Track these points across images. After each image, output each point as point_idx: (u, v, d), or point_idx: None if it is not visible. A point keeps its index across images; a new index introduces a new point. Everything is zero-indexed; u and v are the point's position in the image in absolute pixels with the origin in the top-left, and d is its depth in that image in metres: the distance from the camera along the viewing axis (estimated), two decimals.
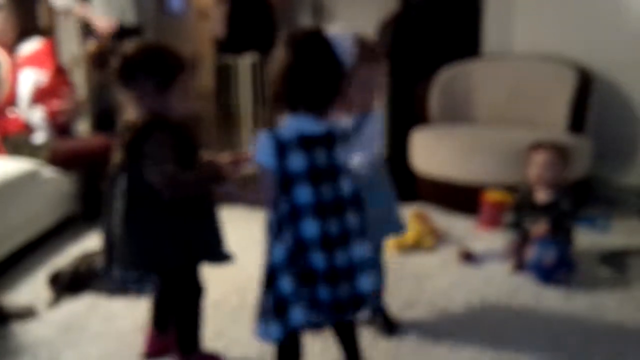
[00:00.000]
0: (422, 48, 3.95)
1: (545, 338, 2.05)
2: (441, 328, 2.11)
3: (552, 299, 2.34)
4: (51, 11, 4.27)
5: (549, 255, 2.43)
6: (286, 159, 1.46)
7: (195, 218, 1.72)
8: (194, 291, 1.82)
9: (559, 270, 2.44)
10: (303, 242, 1.47)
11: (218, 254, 1.80)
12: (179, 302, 1.83)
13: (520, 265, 2.56)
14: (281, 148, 1.46)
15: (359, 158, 1.77)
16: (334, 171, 1.50)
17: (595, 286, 2.43)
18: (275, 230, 1.50)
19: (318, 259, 1.47)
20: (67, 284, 2.39)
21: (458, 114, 3.77)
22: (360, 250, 1.53)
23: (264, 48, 4.49)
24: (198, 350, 1.85)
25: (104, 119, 3.61)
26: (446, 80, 3.80)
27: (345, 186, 1.52)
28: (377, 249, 2.00)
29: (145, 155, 1.63)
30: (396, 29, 4.08)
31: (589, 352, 1.95)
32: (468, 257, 2.71)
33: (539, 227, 2.50)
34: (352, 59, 1.49)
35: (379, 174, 1.94)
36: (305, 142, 1.47)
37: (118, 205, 1.70)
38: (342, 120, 1.62)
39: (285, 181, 1.47)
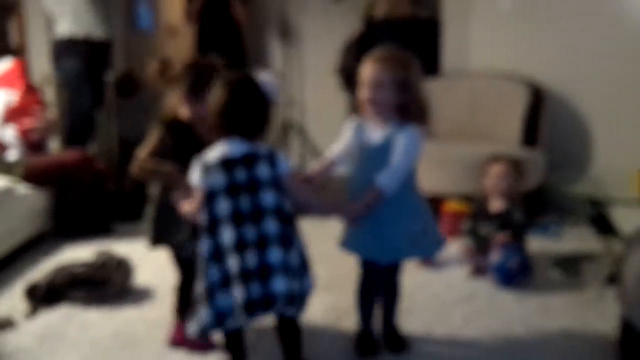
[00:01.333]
0: None
1: (500, 337, 2.19)
2: (404, 328, 2.24)
3: (507, 301, 2.49)
4: (22, 30, 4.34)
5: (514, 261, 2.59)
6: (209, 178, 1.71)
7: None
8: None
9: (520, 274, 2.60)
10: (221, 248, 1.69)
11: None
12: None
13: (477, 270, 2.72)
14: (206, 169, 1.71)
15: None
16: (255, 185, 1.71)
17: (547, 289, 2.60)
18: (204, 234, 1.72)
19: (233, 262, 1.67)
20: (44, 296, 2.46)
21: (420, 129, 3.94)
22: (278, 255, 1.68)
23: (233, 67, 4.63)
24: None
25: (75, 135, 3.68)
26: None
27: (267, 198, 1.71)
28: (399, 268, 2.09)
29: None
30: (360, 48, 4.25)
31: (542, 350, 2.10)
32: (429, 263, 2.86)
33: (502, 236, 2.67)
34: (277, 96, 1.80)
35: (410, 191, 1.98)
36: (226, 164, 1.71)
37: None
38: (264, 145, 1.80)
39: (208, 196, 1.71)
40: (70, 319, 2.37)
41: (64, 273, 2.51)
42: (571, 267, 2.81)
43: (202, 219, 1.72)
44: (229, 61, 4.90)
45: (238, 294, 1.65)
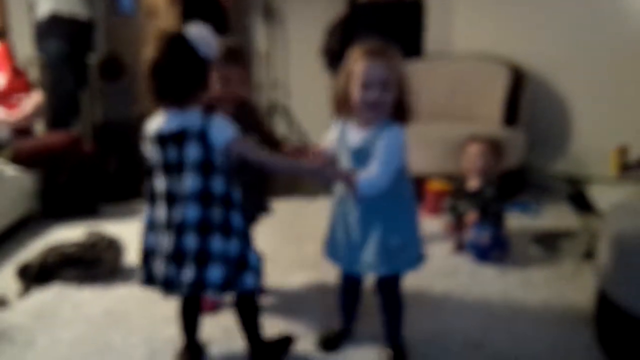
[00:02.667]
0: None
1: (480, 310, 2.28)
2: None
3: (488, 276, 2.58)
4: (3, 11, 4.30)
5: (483, 237, 2.68)
6: (150, 151, 1.72)
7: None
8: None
9: (493, 249, 2.69)
10: (154, 221, 1.74)
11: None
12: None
13: (458, 246, 2.81)
14: (148, 141, 1.72)
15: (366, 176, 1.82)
16: (181, 167, 1.66)
17: (526, 264, 2.68)
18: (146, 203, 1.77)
19: (161, 239, 1.72)
20: (36, 275, 2.50)
21: None
22: (192, 241, 1.67)
23: None
24: None
25: (59, 117, 3.68)
26: None
27: (188, 181, 1.66)
28: (395, 281, 1.92)
29: None
30: (344, 30, 4.29)
31: (520, 322, 2.18)
32: None
33: (470, 215, 2.75)
34: (215, 54, 1.68)
35: (391, 201, 1.79)
36: (161, 140, 1.68)
37: None
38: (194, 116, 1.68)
39: (151, 168, 1.73)
40: (62, 298, 2.42)
41: (55, 253, 2.55)
42: (549, 242, 2.90)
43: (145, 188, 1.75)
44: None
45: (158, 270, 1.73)
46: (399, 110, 1.78)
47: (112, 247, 2.63)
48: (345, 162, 1.84)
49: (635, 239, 1.88)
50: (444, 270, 2.64)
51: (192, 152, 1.64)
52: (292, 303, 2.35)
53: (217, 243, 1.67)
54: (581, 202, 2.91)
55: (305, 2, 4.78)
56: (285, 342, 2.00)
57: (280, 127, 4.99)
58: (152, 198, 1.74)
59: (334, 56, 4.35)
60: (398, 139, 1.75)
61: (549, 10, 3.77)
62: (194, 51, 1.62)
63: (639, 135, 2.97)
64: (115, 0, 4.96)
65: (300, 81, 4.92)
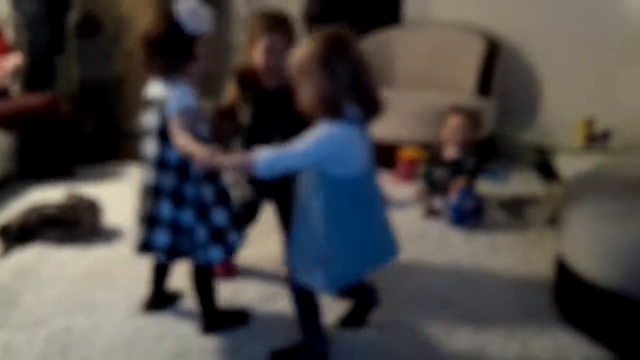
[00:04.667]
0: (347, 16, 4.17)
1: (450, 272, 2.40)
2: None
3: (457, 240, 2.70)
4: None
5: (469, 203, 2.79)
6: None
7: None
8: None
9: (473, 215, 2.81)
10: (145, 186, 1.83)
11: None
12: None
13: (429, 212, 2.92)
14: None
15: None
16: (161, 133, 1.76)
17: (494, 229, 2.81)
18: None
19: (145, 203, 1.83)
20: (16, 236, 2.54)
21: (381, 78, 4.05)
22: (147, 204, 1.80)
23: None
24: None
25: (35, 78, 3.65)
26: (370, 47, 4.06)
27: (150, 147, 1.79)
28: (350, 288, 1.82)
29: None
30: None
31: (486, 284, 2.31)
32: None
33: (460, 181, 2.85)
34: (206, 28, 1.72)
35: (324, 204, 1.62)
36: (150, 104, 1.78)
37: None
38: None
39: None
40: (44, 258, 2.47)
41: (35, 213, 2.58)
42: (516, 209, 3.03)
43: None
44: None
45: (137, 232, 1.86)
46: (326, 107, 1.56)
47: (92, 208, 2.67)
48: None
49: (594, 207, 2.00)
50: (415, 234, 2.74)
51: (153, 119, 1.76)
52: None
53: (165, 210, 1.77)
54: (547, 171, 3.03)
55: None
56: (239, 316, 2.02)
57: None
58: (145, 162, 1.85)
59: (314, 22, 4.36)
60: (323, 130, 1.54)
61: None
62: (178, 27, 1.68)
63: (605, 108, 3.07)
64: None
65: None
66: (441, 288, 2.27)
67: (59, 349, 1.87)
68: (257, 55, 1.98)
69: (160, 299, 2.09)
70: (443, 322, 2.04)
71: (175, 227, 1.79)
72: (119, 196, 3.04)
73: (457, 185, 2.85)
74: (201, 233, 1.80)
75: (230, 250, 1.86)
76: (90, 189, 3.06)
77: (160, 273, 2.07)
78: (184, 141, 1.65)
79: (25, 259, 2.45)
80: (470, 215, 2.81)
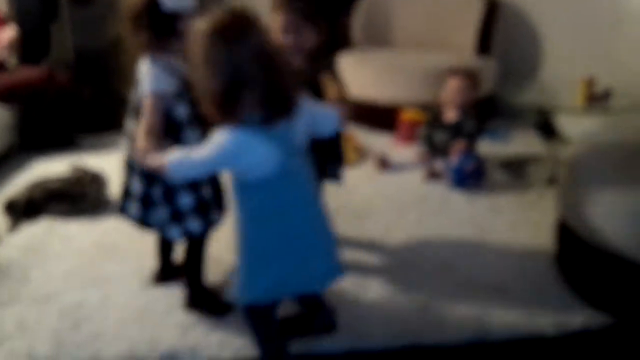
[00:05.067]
0: None
1: (450, 236, 2.43)
2: (366, 229, 2.47)
3: (458, 202, 2.72)
4: None
5: (469, 164, 2.81)
6: None
7: None
8: None
9: (474, 176, 2.83)
10: None
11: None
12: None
13: (430, 174, 2.94)
14: None
15: None
16: (137, 111, 1.76)
17: (495, 190, 2.83)
18: None
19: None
20: (23, 211, 2.57)
21: (379, 38, 4.03)
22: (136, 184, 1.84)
23: None
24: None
25: (33, 52, 3.62)
26: (368, 7, 4.02)
27: (128, 122, 1.82)
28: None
29: None
30: None
31: (487, 248, 2.33)
32: (384, 165, 3.07)
33: (460, 143, 2.85)
34: (188, 5, 1.68)
35: (238, 213, 1.53)
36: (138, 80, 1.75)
37: None
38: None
39: None
40: (51, 232, 2.50)
41: (40, 188, 2.61)
42: (516, 168, 3.05)
43: None
44: None
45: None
46: (216, 109, 1.39)
47: (96, 181, 2.69)
48: None
49: (594, 169, 2.02)
50: (416, 196, 2.77)
51: (133, 95, 1.79)
52: None
53: (136, 184, 1.83)
54: (548, 130, 3.04)
55: None
56: (220, 305, 1.97)
57: None
58: None
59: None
60: (215, 139, 1.41)
61: None
62: (156, 5, 1.65)
63: (607, 68, 3.05)
64: None
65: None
66: (442, 252, 2.30)
67: (71, 323, 1.91)
68: (276, 34, 1.92)
69: (168, 272, 2.13)
70: (444, 287, 2.07)
71: (145, 201, 1.83)
72: (113, 166, 3.04)
73: (457, 147, 2.86)
74: (164, 212, 1.81)
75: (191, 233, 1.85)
76: (93, 160, 3.07)
77: (165, 246, 2.10)
78: (140, 128, 1.64)
79: (33, 234, 2.48)
80: (471, 177, 2.83)
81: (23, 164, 3.23)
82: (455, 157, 2.83)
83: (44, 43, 3.74)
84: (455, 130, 2.90)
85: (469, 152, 2.85)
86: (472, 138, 2.90)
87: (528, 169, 3.04)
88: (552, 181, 2.80)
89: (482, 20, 3.67)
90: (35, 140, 3.39)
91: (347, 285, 2.05)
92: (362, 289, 2.06)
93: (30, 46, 3.63)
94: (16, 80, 3.28)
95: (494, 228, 2.49)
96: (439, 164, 2.94)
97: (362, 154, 3.26)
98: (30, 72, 3.35)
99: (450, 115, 2.95)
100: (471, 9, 3.75)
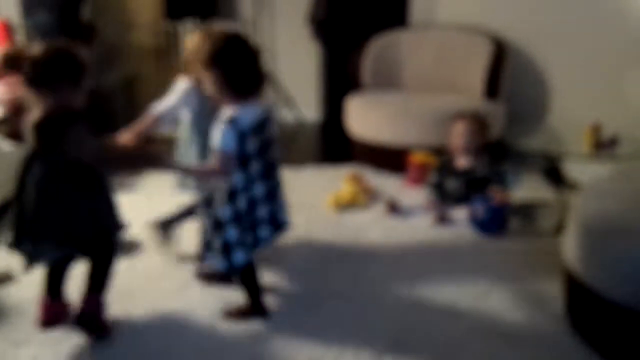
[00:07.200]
0: (354, 18, 4.23)
1: (460, 277, 2.46)
2: (374, 271, 2.50)
3: (466, 247, 2.75)
4: None
5: (479, 211, 2.80)
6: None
7: (97, 194, 2.07)
8: (109, 255, 2.15)
9: (492, 223, 2.82)
10: (254, 200, 2.07)
11: (118, 224, 2.16)
12: (100, 264, 2.14)
13: (440, 219, 2.96)
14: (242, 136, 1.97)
15: None
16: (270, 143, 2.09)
17: (504, 235, 2.84)
18: (229, 197, 2.01)
19: (263, 210, 2.11)
20: None
21: (388, 80, 4.10)
22: (282, 194, 2.20)
23: (204, 14, 4.64)
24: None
25: None
26: (377, 49, 4.10)
27: (275, 152, 2.11)
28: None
29: (69, 139, 1.91)
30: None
31: (497, 294, 2.35)
32: (393, 209, 3.09)
33: (497, 193, 2.85)
34: None
35: None
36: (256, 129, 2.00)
37: (34, 184, 1.98)
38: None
39: (243, 160, 1.99)
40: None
41: None
42: (526, 214, 3.05)
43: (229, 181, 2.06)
44: (197, 9, 4.87)
45: (265, 233, 2.20)
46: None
47: None
48: None
49: (600, 221, 2.03)
50: (425, 241, 2.80)
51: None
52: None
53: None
54: (556, 177, 3.06)
55: None
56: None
57: (267, 94, 5.04)
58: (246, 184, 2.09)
59: (321, 25, 4.40)
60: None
61: None
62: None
63: (614, 113, 3.10)
64: None
65: (287, 48, 4.93)
66: (451, 297, 2.32)
67: None
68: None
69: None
70: (452, 333, 2.09)
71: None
72: (135, 207, 3.09)
73: (497, 195, 2.83)
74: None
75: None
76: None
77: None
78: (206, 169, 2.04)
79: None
80: (489, 223, 2.82)
81: None
82: (478, 207, 2.81)
83: None
84: (468, 178, 2.92)
85: (483, 198, 2.85)
86: (484, 184, 2.90)
87: (537, 214, 3.06)
88: (561, 228, 2.81)
89: (491, 64, 3.74)
90: None
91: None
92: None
93: None
94: None
95: (503, 275, 2.50)
96: (448, 210, 2.96)
97: (371, 195, 3.30)
98: None
99: (462, 161, 2.98)
100: (480, 53, 3.82)
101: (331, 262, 2.61)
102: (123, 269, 2.47)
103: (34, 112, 1.95)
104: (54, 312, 2.14)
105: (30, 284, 2.43)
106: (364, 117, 3.79)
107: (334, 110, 4.15)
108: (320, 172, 3.73)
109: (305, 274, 2.52)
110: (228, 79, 1.92)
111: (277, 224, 2.21)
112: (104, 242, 2.12)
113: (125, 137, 2.22)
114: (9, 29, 3.42)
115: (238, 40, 1.95)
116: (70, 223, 1.98)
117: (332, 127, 4.36)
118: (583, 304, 2.04)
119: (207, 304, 2.29)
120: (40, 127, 1.94)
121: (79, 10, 3.89)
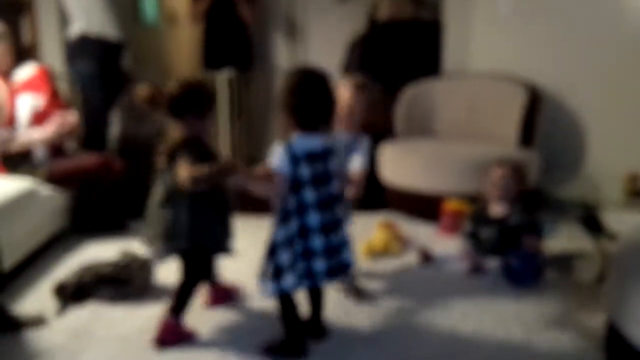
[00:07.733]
0: (388, 67, 4.28)
1: (495, 332, 2.37)
2: (407, 322, 2.44)
3: (503, 298, 2.66)
4: (34, 29, 4.45)
5: (512, 261, 2.75)
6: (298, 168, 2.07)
7: (213, 212, 2.28)
8: (197, 274, 2.36)
9: (526, 274, 2.74)
10: (307, 228, 2.07)
11: (224, 247, 2.36)
12: (184, 279, 2.34)
13: (475, 269, 2.90)
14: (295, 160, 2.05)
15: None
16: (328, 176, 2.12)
17: (542, 286, 2.76)
18: (282, 218, 2.07)
19: (317, 241, 2.09)
20: (72, 294, 2.63)
21: (421, 128, 4.11)
22: (344, 232, 2.19)
23: (241, 64, 4.76)
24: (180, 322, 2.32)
25: (93, 138, 3.82)
26: (411, 97, 4.12)
27: (335, 187, 2.15)
28: None
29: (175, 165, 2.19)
30: (364, 48, 4.40)
31: (532, 344, 2.27)
32: (427, 258, 3.04)
33: (532, 242, 2.80)
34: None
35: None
36: (311, 157, 2.08)
37: (157, 195, 2.29)
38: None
39: (295, 184, 2.06)
40: (97, 316, 2.55)
41: (90, 272, 2.68)
42: (564, 265, 2.97)
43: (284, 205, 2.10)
44: (234, 59, 5.00)
45: (320, 267, 2.17)
46: None
47: (144, 267, 2.76)
48: None
49: None
50: (460, 291, 2.73)
51: (333, 164, 2.24)
52: None
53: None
54: (594, 225, 2.99)
55: (327, 19, 4.89)
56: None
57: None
58: (298, 211, 2.12)
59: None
60: None
61: (567, 30, 3.84)
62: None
63: None
64: (139, 13, 5.08)
65: None
66: (486, 350, 2.25)
67: None
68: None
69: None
70: None
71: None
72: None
73: (530, 243, 2.78)
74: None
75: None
76: (140, 245, 3.14)
77: None
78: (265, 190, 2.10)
79: (80, 318, 2.53)
80: (523, 274, 2.75)
81: (74, 247, 3.33)
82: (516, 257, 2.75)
83: (104, 131, 3.94)
84: (502, 225, 2.87)
85: (520, 248, 2.79)
86: (519, 232, 2.84)
87: (575, 265, 2.97)
88: (601, 279, 2.72)
89: (525, 111, 3.72)
90: (87, 224, 3.52)
91: None
92: None
93: (91, 134, 3.82)
94: (74, 166, 3.45)
95: (541, 328, 2.42)
96: (484, 260, 2.90)
97: (404, 244, 3.26)
98: (88, 159, 3.51)
99: (497, 209, 2.94)
100: (513, 100, 3.80)
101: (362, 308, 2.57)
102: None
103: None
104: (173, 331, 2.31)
105: (61, 329, 2.45)
106: (398, 164, 3.79)
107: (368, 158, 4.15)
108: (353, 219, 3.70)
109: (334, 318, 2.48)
110: (295, 113, 2.06)
111: (338, 262, 2.18)
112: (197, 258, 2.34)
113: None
114: (49, 76, 3.55)
115: (311, 77, 2.08)
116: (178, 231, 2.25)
117: (366, 174, 4.36)
118: (625, 357, 1.95)
119: None
120: (165, 153, 2.24)
121: (119, 61, 4.03)
